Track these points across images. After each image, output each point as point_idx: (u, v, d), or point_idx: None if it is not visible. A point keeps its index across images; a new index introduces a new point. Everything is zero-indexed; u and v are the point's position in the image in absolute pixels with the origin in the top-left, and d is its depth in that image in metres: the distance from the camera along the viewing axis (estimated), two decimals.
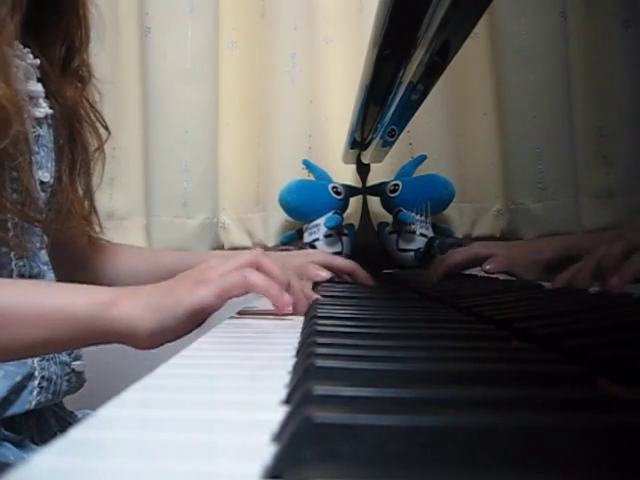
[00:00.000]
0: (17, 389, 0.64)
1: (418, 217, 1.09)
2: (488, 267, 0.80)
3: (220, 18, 1.25)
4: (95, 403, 0.27)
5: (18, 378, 0.64)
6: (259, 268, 0.53)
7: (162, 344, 0.51)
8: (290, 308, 0.52)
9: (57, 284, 0.62)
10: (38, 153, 0.69)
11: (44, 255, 0.70)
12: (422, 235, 1.09)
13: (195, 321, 0.50)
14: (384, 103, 0.77)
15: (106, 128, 0.80)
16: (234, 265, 0.52)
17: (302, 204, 1.14)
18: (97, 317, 0.49)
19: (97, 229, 0.81)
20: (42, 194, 0.70)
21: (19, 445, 0.65)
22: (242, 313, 0.58)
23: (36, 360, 0.66)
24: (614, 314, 0.42)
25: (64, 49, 0.75)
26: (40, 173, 0.69)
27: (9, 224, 0.64)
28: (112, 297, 0.50)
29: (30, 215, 0.66)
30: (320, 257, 0.83)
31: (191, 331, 0.52)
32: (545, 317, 0.41)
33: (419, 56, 0.61)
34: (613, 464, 0.17)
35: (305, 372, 0.26)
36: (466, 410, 0.20)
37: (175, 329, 0.50)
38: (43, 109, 0.70)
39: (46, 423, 0.70)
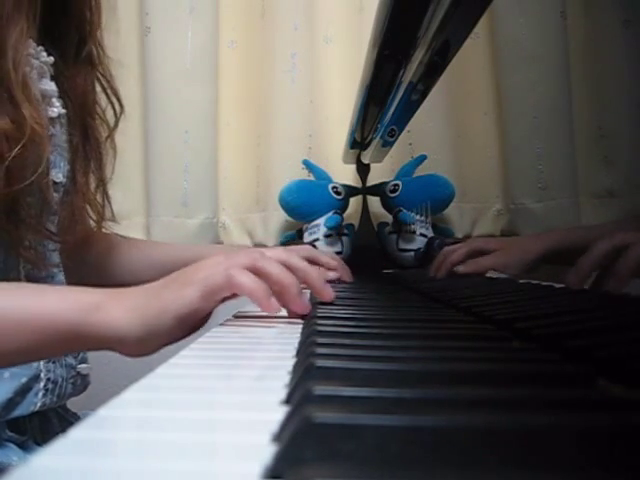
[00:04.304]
0: (23, 391, 0.64)
1: (418, 217, 1.09)
2: (462, 268, 0.82)
3: (220, 18, 1.25)
4: (95, 403, 0.27)
5: (24, 380, 0.64)
6: (255, 271, 0.49)
7: (155, 350, 0.48)
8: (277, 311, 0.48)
9: (43, 287, 0.59)
10: (51, 153, 0.68)
11: (55, 256, 0.70)
12: (422, 235, 1.09)
13: (186, 325, 0.47)
14: (384, 103, 0.77)
15: (121, 105, 0.79)
16: (224, 265, 0.48)
17: (302, 204, 1.14)
18: (81, 322, 0.46)
19: (110, 224, 0.81)
20: (55, 195, 0.69)
21: (22, 446, 0.65)
22: (241, 315, 0.58)
23: (42, 362, 0.66)
24: (614, 314, 0.42)
25: (77, 34, 0.74)
26: (53, 173, 0.68)
27: (26, 242, 0.63)
28: (97, 300, 0.47)
29: (46, 229, 0.66)
30: (305, 253, 0.78)
31: (187, 335, 0.49)
32: (545, 317, 0.41)
33: (419, 56, 0.61)
34: (613, 464, 0.17)
35: (305, 372, 0.26)
36: (466, 410, 0.20)
37: (165, 335, 0.47)
38: (56, 109, 0.69)
39: (49, 424, 0.70)
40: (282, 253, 0.54)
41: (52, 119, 0.69)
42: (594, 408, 0.21)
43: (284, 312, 0.53)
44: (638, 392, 0.24)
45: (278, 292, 0.49)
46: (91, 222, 0.79)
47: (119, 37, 1.24)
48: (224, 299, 0.50)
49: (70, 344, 0.48)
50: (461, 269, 0.83)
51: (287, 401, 0.25)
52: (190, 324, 0.48)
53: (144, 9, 1.22)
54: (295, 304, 0.50)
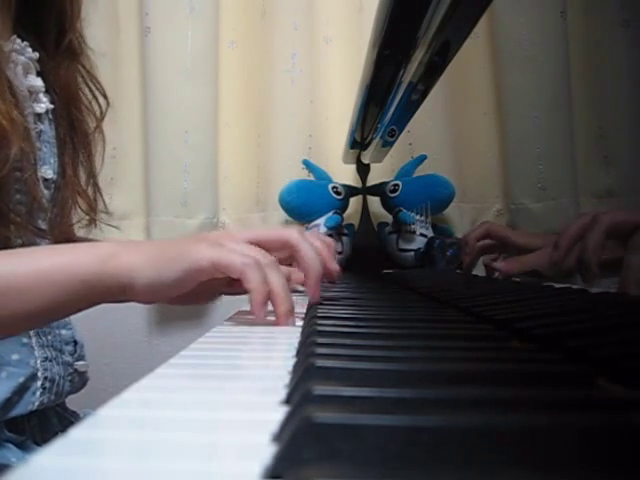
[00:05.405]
0: (20, 390, 0.64)
1: (418, 217, 1.09)
2: (500, 267, 0.78)
3: (220, 18, 1.25)
4: (95, 403, 0.27)
5: (21, 379, 0.64)
6: (295, 247, 0.52)
7: (163, 299, 0.50)
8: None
9: (56, 246, 0.60)
10: (40, 149, 0.68)
11: None
12: (422, 235, 1.09)
13: (192, 279, 0.48)
14: (384, 103, 0.77)
15: (105, 97, 0.78)
16: (251, 254, 0.48)
17: (302, 204, 1.14)
18: (99, 271, 0.48)
19: (104, 216, 0.80)
20: (45, 191, 0.69)
21: (21, 446, 0.64)
22: (240, 315, 0.58)
23: (39, 361, 0.66)
24: (614, 314, 0.42)
25: (56, 26, 0.72)
26: (43, 170, 0.68)
27: (17, 240, 0.63)
28: (112, 250, 0.49)
29: (35, 227, 0.65)
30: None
31: (192, 299, 0.51)
32: (545, 317, 0.41)
33: (419, 56, 0.61)
34: (613, 464, 0.17)
35: (305, 372, 0.26)
36: (466, 410, 0.20)
37: (173, 284, 0.48)
38: (44, 104, 0.68)
39: (48, 423, 0.69)
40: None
41: (39, 115, 0.68)
42: (594, 408, 0.21)
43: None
44: (638, 392, 0.24)
45: (272, 303, 0.49)
46: (83, 215, 0.77)
47: (119, 37, 1.25)
48: (230, 290, 0.52)
49: (91, 295, 0.49)
50: (502, 267, 0.79)
51: (287, 401, 0.25)
52: (194, 279, 0.49)
53: (144, 9, 1.22)
54: (282, 323, 0.49)
